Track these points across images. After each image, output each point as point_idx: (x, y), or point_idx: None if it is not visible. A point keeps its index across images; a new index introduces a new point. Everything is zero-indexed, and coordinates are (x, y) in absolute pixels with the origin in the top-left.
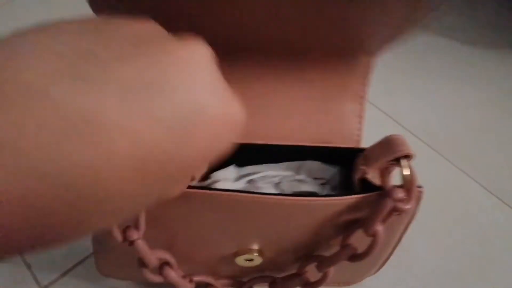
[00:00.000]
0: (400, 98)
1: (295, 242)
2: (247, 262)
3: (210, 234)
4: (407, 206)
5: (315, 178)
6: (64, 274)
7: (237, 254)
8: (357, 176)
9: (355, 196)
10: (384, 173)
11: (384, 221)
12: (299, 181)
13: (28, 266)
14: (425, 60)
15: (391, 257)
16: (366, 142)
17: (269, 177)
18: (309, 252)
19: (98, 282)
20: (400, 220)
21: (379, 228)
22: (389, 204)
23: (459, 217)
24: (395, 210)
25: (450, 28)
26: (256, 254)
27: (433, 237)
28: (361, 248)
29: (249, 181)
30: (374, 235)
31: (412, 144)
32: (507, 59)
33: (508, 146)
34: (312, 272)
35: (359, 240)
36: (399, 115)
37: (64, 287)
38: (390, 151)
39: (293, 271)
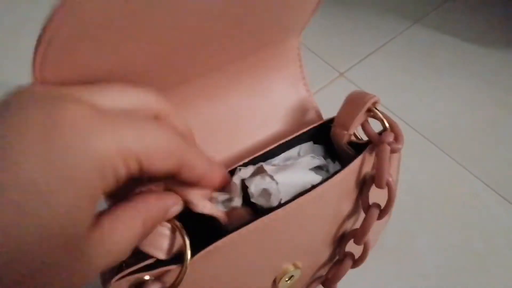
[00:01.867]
0: (404, 95)
1: (325, 234)
2: (288, 281)
3: (244, 275)
4: (400, 145)
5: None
6: None
7: (276, 280)
8: (343, 141)
9: (357, 158)
10: (365, 127)
11: (388, 171)
12: (311, 157)
13: None
14: (430, 58)
15: (393, 253)
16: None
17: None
18: (341, 235)
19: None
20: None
21: (389, 177)
22: (386, 149)
23: (462, 214)
24: (392, 151)
25: (455, 26)
26: (293, 269)
27: (435, 233)
28: (381, 203)
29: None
30: (388, 185)
31: (416, 142)
32: None
33: None
34: (352, 249)
35: (375, 197)
36: (404, 113)
37: None
38: (360, 105)
39: (335, 259)
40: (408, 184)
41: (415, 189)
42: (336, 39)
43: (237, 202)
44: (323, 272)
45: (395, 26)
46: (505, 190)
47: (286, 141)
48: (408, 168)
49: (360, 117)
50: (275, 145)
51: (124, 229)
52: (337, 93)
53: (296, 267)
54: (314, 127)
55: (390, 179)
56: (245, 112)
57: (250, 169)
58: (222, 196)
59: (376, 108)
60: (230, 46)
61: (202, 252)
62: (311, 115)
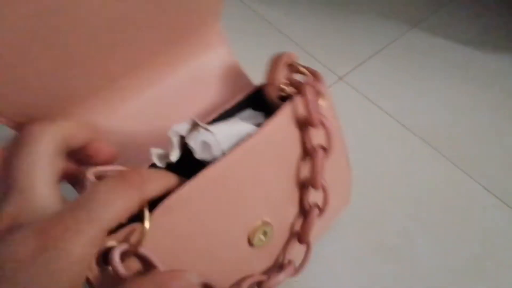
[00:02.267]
0: (402, 98)
1: (284, 185)
2: (264, 238)
3: (213, 234)
4: (323, 87)
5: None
6: None
7: (250, 239)
8: (275, 97)
9: (288, 101)
10: (290, 80)
11: (318, 109)
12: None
13: None
14: (429, 62)
15: (392, 254)
16: (370, 141)
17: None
18: (300, 185)
19: None
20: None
21: (319, 115)
22: (309, 89)
23: (460, 217)
24: (318, 94)
25: (453, 31)
26: (262, 224)
27: (433, 235)
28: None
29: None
30: (322, 124)
31: (414, 144)
32: (510, 62)
33: (510, 148)
34: (318, 200)
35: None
36: (401, 115)
37: None
38: (280, 62)
39: (301, 216)
40: (407, 186)
41: (414, 191)
42: (335, 43)
43: (174, 156)
44: (297, 227)
45: (393, 30)
46: (503, 192)
47: (226, 111)
48: (407, 171)
49: (282, 69)
50: (215, 115)
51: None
52: (336, 97)
53: (265, 223)
54: (250, 93)
55: (322, 118)
56: (179, 95)
57: (185, 125)
58: (157, 151)
59: (296, 63)
60: (149, 40)
61: (160, 207)
62: (245, 84)
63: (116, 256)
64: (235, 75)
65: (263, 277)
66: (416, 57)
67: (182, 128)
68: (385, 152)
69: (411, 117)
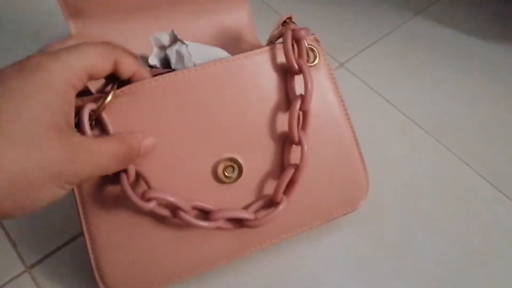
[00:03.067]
0: (405, 88)
1: (258, 125)
2: (230, 175)
3: (184, 145)
4: (303, 32)
5: None
6: (51, 254)
7: (215, 168)
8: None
9: (267, 44)
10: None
11: (300, 54)
12: None
13: (14, 245)
14: (431, 51)
15: (393, 248)
16: (370, 130)
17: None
18: (279, 140)
19: (84, 263)
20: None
21: (299, 60)
22: (288, 33)
23: (462, 210)
24: (295, 37)
25: (456, 19)
26: (228, 158)
27: (434, 229)
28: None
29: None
30: (301, 70)
31: (415, 134)
32: None
33: None
34: (296, 153)
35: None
36: (404, 106)
37: (51, 267)
38: (279, 22)
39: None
40: (408, 178)
41: (415, 184)
42: (337, 29)
43: (152, 60)
44: (272, 186)
45: (396, 17)
46: (504, 186)
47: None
48: (408, 162)
49: (279, 28)
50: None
51: (105, 143)
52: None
53: (233, 160)
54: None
55: (300, 61)
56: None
57: (166, 36)
58: (156, 35)
59: (290, 20)
60: None
61: (125, 88)
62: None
63: (85, 113)
64: (250, 41)
65: (244, 214)
66: (419, 46)
67: (164, 37)
68: (385, 141)
69: (412, 106)
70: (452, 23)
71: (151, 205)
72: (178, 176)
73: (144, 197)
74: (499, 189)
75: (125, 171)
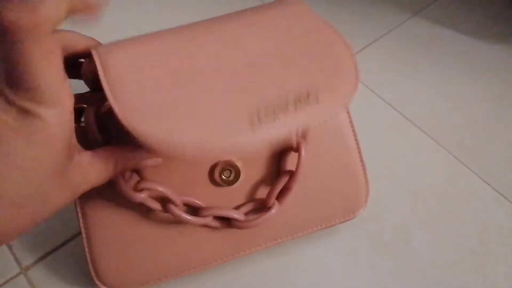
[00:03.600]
0: (402, 88)
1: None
2: (226, 178)
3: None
4: None
5: None
6: (46, 255)
7: (213, 167)
8: None
9: None
10: None
11: None
12: None
13: (9, 246)
14: (429, 51)
15: (389, 248)
16: (367, 129)
17: None
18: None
19: (79, 265)
20: None
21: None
22: None
23: (458, 209)
24: None
25: (454, 20)
26: (233, 162)
27: (431, 229)
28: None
29: None
30: None
31: (412, 135)
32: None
33: (510, 140)
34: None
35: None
36: (401, 105)
37: (46, 268)
38: None
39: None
40: (405, 178)
41: (411, 183)
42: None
43: None
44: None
45: (393, 18)
46: (501, 185)
47: None
48: (405, 162)
49: None
50: None
51: (100, 163)
52: None
53: (232, 164)
54: None
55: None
56: None
57: None
58: None
59: None
60: None
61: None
62: None
63: (91, 118)
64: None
65: (229, 212)
66: (416, 45)
67: None
68: (382, 141)
69: (410, 107)
70: (449, 24)
71: (142, 195)
72: (174, 174)
73: (136, 187)
74: (496, 189)
75: None
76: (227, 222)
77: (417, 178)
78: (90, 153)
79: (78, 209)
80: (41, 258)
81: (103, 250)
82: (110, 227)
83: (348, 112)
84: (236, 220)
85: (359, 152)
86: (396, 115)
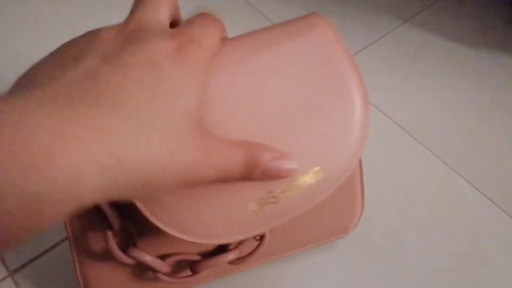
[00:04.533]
0: (392, 93)
1: None
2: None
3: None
4: None
5: None
6: (34, 259)
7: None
8: None
9: None
10: None
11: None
12: None
13: None
14: (419, 58)
15: (380, 251)
16: None
17: None
18: None
19: (66, 270)
20: None
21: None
22: None
23: (448, 214)
24: None
25: (445, 27)
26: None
27: (422, 232)
28: None
29: None
30: None
31: (402, 140)
32: (501, 61)
33: (499, 146)
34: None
35: None
36: (391, 111)
37: (34, 272)
38: None
39: None
40: (395, 182)
41: (402, 188)
42: None
43: None
44: None
45: (384, 24)
46: (490, 191)
47: None
48: (395, 167)
49: None
50: None
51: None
52: None
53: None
54: None
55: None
56: None
57: None
58: None
59: None
60: None
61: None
62: None
63: None
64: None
65: (196, 257)
66: (407, 52)
67: None
68: (372, 146)
69: (399, 112)
70: (440, 31)
71: (131, 261)
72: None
73: (126, 253)
74: (485, 194)
75: (111, 227)
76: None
77: (407, 182)
78: (222, 138)
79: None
80: (29, 262)
81: (94, 274)
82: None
83: None
84: (232, 261)
85: (361, 178)
86: (386, 121)
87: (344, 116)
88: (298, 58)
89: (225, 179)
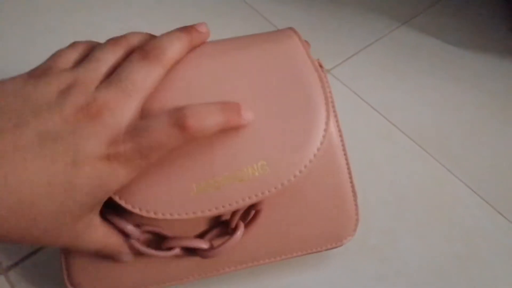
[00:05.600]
0: (389, 94)
1: None
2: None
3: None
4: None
5: None
6: (27, 257)
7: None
8: None
9: None
10: None
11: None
12: None
13: None
14: (417, 60)
15: (376, 252)
16: (355, 135)
17: None
18: None
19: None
20: None
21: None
22: None
23: (444, 216)
24: None
25: (443, 30)
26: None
27: (417, 234)
28: None
29: None
30: None
31: (399, 141)
32: (499, 64)
33: (495, 148)
34: None
35: None
36: (388, 111)
37: (27, 270)
38: None
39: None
40: (391, 183)
41: (398, 189)
42: (324, 36)
43: None
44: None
45: (382, 26)
46: (487, 193)
47: None
48: (392, 168)
49: None
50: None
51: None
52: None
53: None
54: None
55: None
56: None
57: None
58: None
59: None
60: None
61: None
62: None
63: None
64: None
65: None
66: (404, 54)
67: None
68: (369, 147)
69: (397, 113)
70: (437, 34)
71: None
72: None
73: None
74: (481, 196)
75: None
76: (193, 251)
77: (403, 183)
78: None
79: None
80: (22, 260)
81: (78, 263)
82: None
83: (339, 131)
84: (201, 249)
85: (350, 174)
86: (383, 121)
87: (300, 119)
88: (265, 61)
89: (163, 147)
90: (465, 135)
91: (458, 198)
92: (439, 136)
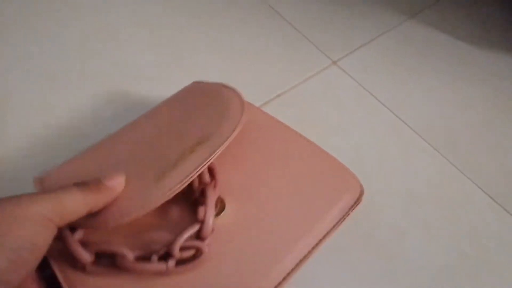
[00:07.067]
0: (399, 91)
1: None
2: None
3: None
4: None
5: None
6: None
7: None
8: None
9: None
10: None
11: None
12: None
13: None
14: (424, 54)
15: (383, 249)
16: (361, 128)
17: None
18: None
19: None
20: None
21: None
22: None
23: (451, 214)
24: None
25: (450, 24)
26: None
27: (424, 232)
28: None
29: None
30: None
31: (407, 136)
32: (509, 60)
33: (504, 147)
34: None
35: None
36: (397, 108)
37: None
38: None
39: None
40: (399, 179)
41: (405, 185)
42: (331, 27)
43: None
44: None
45: (390, 19)
46: (495, 191)
47: None
48: (399, 164)
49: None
50: None
51: None
52: (328, 81)
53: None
54: None
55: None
56: None
57: None
58: None
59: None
60: None
61: None
62: None
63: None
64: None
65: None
66: (412, 49)
67: None
68: (375, 141)
69: (404, 107)
70: (445, 28)
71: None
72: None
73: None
74: (489, 194)
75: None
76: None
77: (411, 179)
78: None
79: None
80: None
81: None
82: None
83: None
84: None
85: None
86: (390, 116)
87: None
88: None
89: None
90: (474, 133)
91: (466, 196)
92: (447, 132)
